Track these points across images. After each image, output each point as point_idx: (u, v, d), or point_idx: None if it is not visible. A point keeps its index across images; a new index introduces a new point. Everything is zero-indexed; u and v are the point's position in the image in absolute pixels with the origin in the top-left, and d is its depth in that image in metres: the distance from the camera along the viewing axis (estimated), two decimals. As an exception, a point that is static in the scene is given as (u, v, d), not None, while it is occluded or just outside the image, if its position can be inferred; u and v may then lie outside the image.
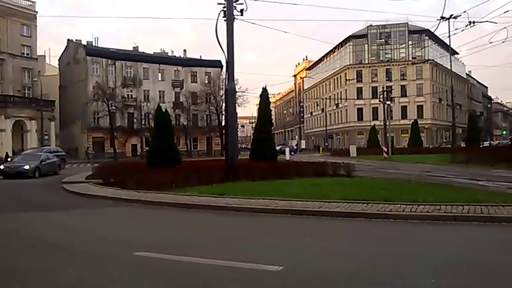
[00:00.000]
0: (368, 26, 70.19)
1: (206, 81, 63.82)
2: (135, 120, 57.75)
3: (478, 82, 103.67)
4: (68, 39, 63.41)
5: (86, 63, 57.45)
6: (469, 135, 44.40)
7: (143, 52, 66.20)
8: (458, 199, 8.98)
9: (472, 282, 4.34)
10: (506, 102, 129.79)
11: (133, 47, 67.40)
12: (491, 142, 57.46)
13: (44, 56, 64.64)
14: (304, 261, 5.29)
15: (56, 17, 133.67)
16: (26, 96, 52.69)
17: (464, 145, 43.65)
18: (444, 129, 70.94)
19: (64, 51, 64.12)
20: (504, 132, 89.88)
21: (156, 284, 4.50)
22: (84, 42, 61.14)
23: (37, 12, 53.99)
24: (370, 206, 8.85)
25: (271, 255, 5.59)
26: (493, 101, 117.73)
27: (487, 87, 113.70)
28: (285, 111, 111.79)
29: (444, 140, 66.46)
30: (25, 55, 53.17)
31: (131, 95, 60.71)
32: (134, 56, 62.86)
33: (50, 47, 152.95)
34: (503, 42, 23.75)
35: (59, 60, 65.86)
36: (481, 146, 41.45)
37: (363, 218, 8.17)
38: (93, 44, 62.08)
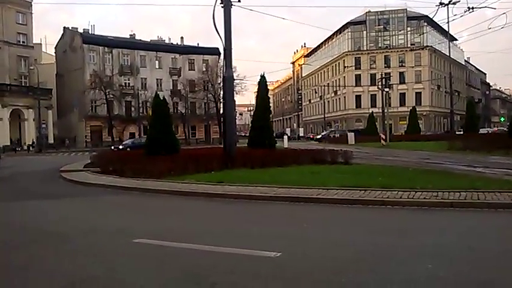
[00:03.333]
0: (366, 13, 69.74)
1: (204, 69, 63.57)
2: (132, 109, 57.64)
3: (476, 68, 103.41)
4: (64, 27, 62.97)
5: (82, 51, 57.09)
6: (467, 122, 44.47)
7: (140, 40, 65.76)
8: (455, 186, 9.02)
9: (468, 268, 4.38)
10: (505, 89, 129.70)
11: (130, 35, 66.97)
12: (489, 129, 57.45)
13: (40, 44, 64.21)
14: (302, 247, 5.32)
15: (52, 3, 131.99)
16: (23, 84, 52.43)
17: (461, 132, 43.75)
18: (442, 116, 70.99)
19: (60, 39, 63.65)
20: (502, 119, 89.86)
21: (155, 271, 4.53)
22: (80, 30, 60.66)
23: (32, -1, 53.45)
24: (368, 193, 8.88)
25: (269, 241, 5.63)
26: (491, 88, 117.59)
27: (485, 74, 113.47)
28: (283, 99, 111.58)
29: (446, 130, 66.17)
30: (21, 43, 52.79)
31: (128, 83, 60.47)
32: (131, 44, 62.44)
33: (46, 34, 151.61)
34: (502, 28, 23.75)
35: (55, 48, 65.44)
36: (479, 132, 41.54)
37: (361, 205, 8.20)
38: (90, 32, 61.63)
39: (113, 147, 37.36)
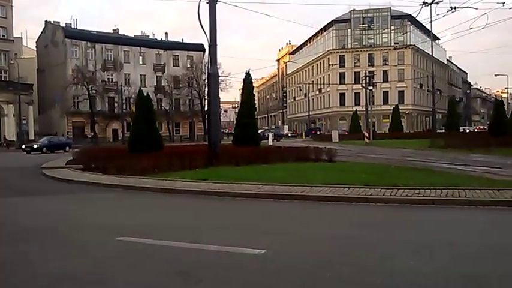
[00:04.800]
0: (351, 11, 70.22)
1: (188, 65, 63.20)
2: (115, 105, 56.97)
3: (458, 68, 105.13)
4: (46, 21, 61.83)
5: (64, 46, 56.19)
6: (448, 121, 45.14)
7: (124, 35, 65.02)
8: (437, 183, 9.17)
9: (448, 262, 4.47)
10: (485, 88, 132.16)
11: (114, 30, 66.11)
12: (468, 128, 58.61)
13: (21, 38, 63.03)
14: (287, 244, 5.35)
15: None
16: (3, 79, 51.37)
17: (443, 130, 44.44)
18: (425, 114, 72.01)
19: (42, 33, 62.51)
20: (482, 119, 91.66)
21: (139, 269, 4.50)
22: (63, 24, 59.64)
23: (13, -8, 52.34)
24: (351, 190, 8.96)
25: (254, 239, 5.64)
26: (472, 87, 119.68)
27: (466, 73, 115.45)
28: (268, 96, 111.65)
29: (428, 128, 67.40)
30: (1, 37, 51.67)
31: (112, 78, 59.78)
32: (114, 39, 61.66)
33: (26, 28, 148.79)
34: (483, 28, 24.19)
35: (36, 42, 64.23)
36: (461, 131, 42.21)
37: (345, 202, 8.28)
38: (72, 26, 60.61)
39: (23, 147, 34.61)
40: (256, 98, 24.61)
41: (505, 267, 4.35)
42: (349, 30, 71.47)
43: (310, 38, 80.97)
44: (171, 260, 4.81)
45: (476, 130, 59.77)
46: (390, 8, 68.65)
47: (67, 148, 34.63)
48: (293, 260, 4.69)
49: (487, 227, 6.42)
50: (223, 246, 5.11)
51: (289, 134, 67.00)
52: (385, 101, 67.68)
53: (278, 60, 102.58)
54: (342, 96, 71.22)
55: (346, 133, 49.28)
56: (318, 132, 59.70)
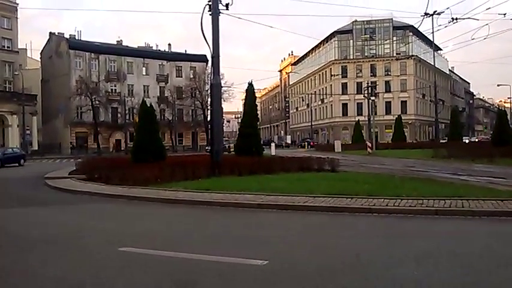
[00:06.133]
0: (353, 22, 70.53)
1: (191, 76, 63.46)
2: (119, 115, 57.12)
3: (460, 78, 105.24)
4: (50, 32, 62.36)
5: (68, 57, 56.58)
6: (451, 131, 45.06)
7: (127, 46, 65.44)
8: (440, 193, 9.14)
9: (452, 273, 4.44)
10: (488, 98, 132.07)
11: (117, 41, 66.58)
12: (468, 139, 58.48)
13: (26, 49, 63.56)
14: (289, 255, 5.33)
15: (38, 9, 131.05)
16: (7, 90, 51.64)
17: (446, 140, 44.37)
18: (427, 124, 71.91)
19: (46, 44, 63.00)
20: (485, 129, 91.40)
21: (141, 280, 4.49)
22: (67, 36, 60.15)
23: (18, 4, 52.89)
24: (354, 200, 8.94)
25: (256, 249, 5.63)
26: (475, 97, 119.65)
27: (469, 83, 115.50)
28: (270, 107, 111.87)
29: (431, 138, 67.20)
30: (6, 48, 52.02)
31: (115, 89, 60.03)
32: (118, 50, 62.08)
33: (31, 40, 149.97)
34: (485, 38, 24.13)
35: (40, 53, 64.71)
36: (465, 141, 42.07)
37: (347, 212, 8.25)
38: (76, 38, 61.10)
39: None
40: (258, 108, 24.68)
41: (507, 278, 4.32)
42: (351, 41, 71.76)
43: (313, 49, 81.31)
44: (173, 270, 4.80)
45: (477, 140, 59.62)
46: (392, 19, 68.91)
47: (22, 161, 31.27)
48: (295, 270, 4.67)
49: (490, 237, 6.38)
50: (224, 257, 5.10)
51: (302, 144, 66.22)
52: (388, 111, 67.64)
53: (281, 71, 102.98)
54: (345, 106, 71.27)
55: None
56: (310, 143, 60.75)
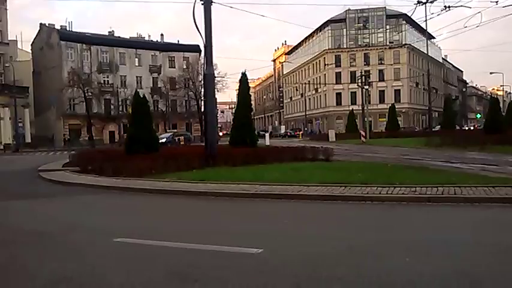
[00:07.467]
0: (346, 11, 70.31)
1: (184, 66, 63.08)
2: (112, 107, 56.79)
3: (453, 66, 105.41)
4: (41, 23, 61.58)
5: (60, 48, 55.98)
6: (444, 119, 45.25)
7: (119, 36, 64.84)
8: (433, 181, 9.21)
9: (444, 260, 4.50)
10: (481, 86, 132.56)
11: (109, 32, 65.93)
12: (464, 126, 58.88)
13: (16, 40, 62.73)
14: (284, 244, 5.38)
15: None
16: (-2, 82, 51.15)
17: (438, 129, 44.60)
18: (421, 113, 72.18)
19: (37, 35, 62.27)
20: (478, 116, 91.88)
21: (137, 270, 4.51)
22: (58, 27, 59.43)
23: (7, -6, 52.15)
24: (348, 189, 9.00)
25: (250, 238, 5.67)
26: (468, 85, 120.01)
27: (462, 71, 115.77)
28: (264, 97, 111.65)
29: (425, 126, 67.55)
30: (-5, 40, 51.45)
31: (107, 80, 59.59)
32: (110, 41, 61.48)
33: (21, 31, 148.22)
34: (477, 26, 24.22)
35: (31, 45, 63.89)
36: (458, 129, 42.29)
37: (341, 201, 8.31)
38: (67, 29, 60.41)
39: None
40: (252, 98, 24.62)
41: (499, 264, 4.39)
42: (344, 30, 71.58)
43: (306, 38, 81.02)
44: (168, 260, 4.82)
45: (472, 128, 60.02)
46: (385, 7, 68.85)
47: None
48: (290, 259, 4.71)
49: (482, 224, 6.47)
50: (219, 246, 5.13)
51: (289, 134, 67.11)
52: (381, 100, 67.81)
53: (274, 61, 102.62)
54: (339, 95, 71.31)
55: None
56: (295, 133, 64.36)
